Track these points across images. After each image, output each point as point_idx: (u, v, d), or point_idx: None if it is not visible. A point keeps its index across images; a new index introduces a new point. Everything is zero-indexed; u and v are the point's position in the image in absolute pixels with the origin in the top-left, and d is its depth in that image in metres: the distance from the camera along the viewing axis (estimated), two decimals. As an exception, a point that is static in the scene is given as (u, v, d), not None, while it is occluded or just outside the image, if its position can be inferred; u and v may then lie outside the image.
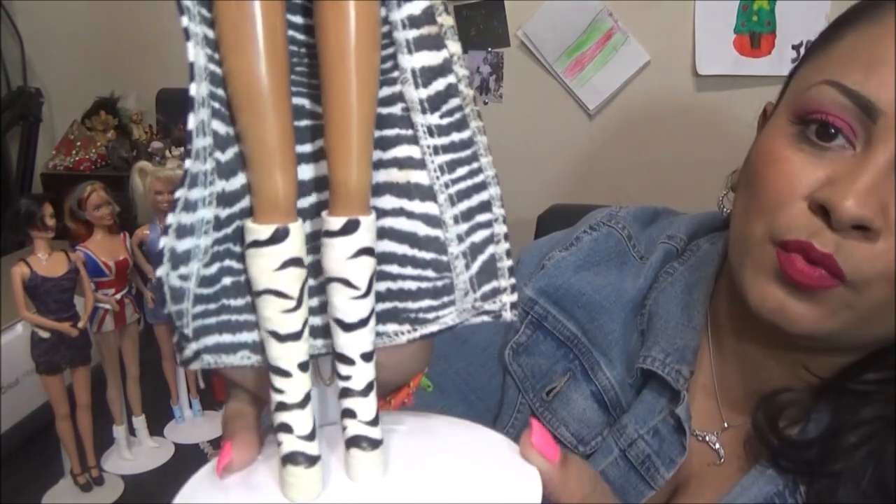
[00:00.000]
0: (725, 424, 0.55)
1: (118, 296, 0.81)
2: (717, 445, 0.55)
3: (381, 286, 0.28)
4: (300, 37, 0.26)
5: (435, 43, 0.27)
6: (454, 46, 0.27)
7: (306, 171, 0.27)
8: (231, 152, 0.25)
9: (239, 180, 0.26)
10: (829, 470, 0.47)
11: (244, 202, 0.26)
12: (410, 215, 0.28)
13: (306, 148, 0.27)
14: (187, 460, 0.89)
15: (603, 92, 1.48)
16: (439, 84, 0.27)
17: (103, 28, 1.66)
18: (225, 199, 0.25)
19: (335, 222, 0.25)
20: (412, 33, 0.26)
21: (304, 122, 0.27)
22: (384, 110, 0.27)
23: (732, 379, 0.56)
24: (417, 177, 0.27)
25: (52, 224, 0.72)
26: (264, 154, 0.24)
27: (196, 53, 0.23)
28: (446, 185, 0.28)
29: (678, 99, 1.43)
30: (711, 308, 0.57)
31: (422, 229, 0.28)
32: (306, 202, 0.27)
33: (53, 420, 0.77)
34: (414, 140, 0.27)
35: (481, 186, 0.28)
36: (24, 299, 0.71)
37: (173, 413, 0.95)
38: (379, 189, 0.27)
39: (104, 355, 0.82)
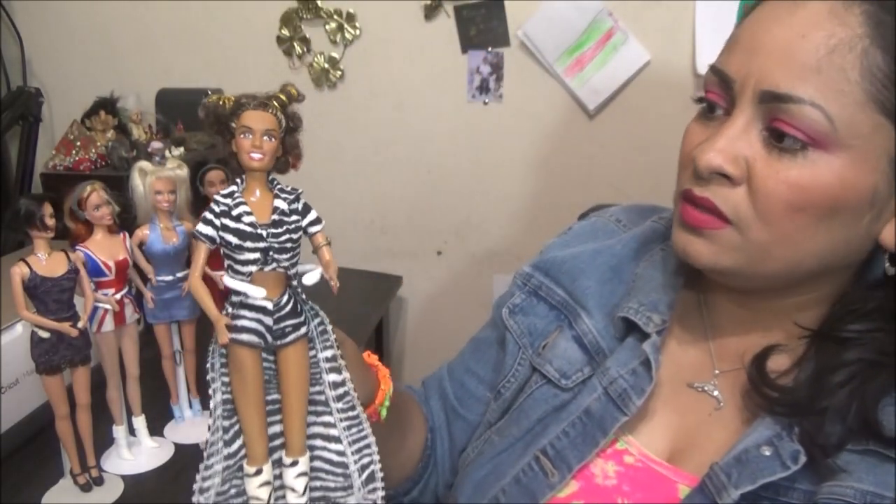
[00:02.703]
0: (717, 371, 0.63)
1: (118, 296, 0.81)
2: (716, 392, 0.62)
3: (318, 483, 0.55)
4: (272, 365, 0.51)
5: (337, 367, 0.54)
6: (346, 372, 0.54)
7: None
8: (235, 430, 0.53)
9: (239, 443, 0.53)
10: (816, 407, 0.53)
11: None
12: (330, 450, 0.55)
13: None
14: (187, 460, 0.89)
15: (603, 92, 1.48)
16: (341, 389, 0.54)
17: (103, 28, 1.66)
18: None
19: (289, 460, 0.52)
20: (328, 364, 0.54)
21: (275, 396, 0.53)
22: (317, 397, 0.54)
23: (728, 334, 0.64)
24: (332, 430, 0.55)
25: (51, 224, 0.72)
26: (253, 432, 0.51)
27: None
28: (350, 436, 0.55)
29: (678, 99, 1.43)
30: (706, 273, 0.65)
31: (335, 456, 0.55)
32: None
33: (53, 420, 0.77)
34: (329, 411, 0.54)
35: (364, 433, 0.55)
36: (23, 299, 0.71)
37: (173, 413, 0.95)
38: (314, 437, 0.54)
39: (104, 355, 0.82)
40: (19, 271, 0.70)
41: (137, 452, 0.88)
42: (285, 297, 0.49)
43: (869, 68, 0.49)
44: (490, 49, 1.52)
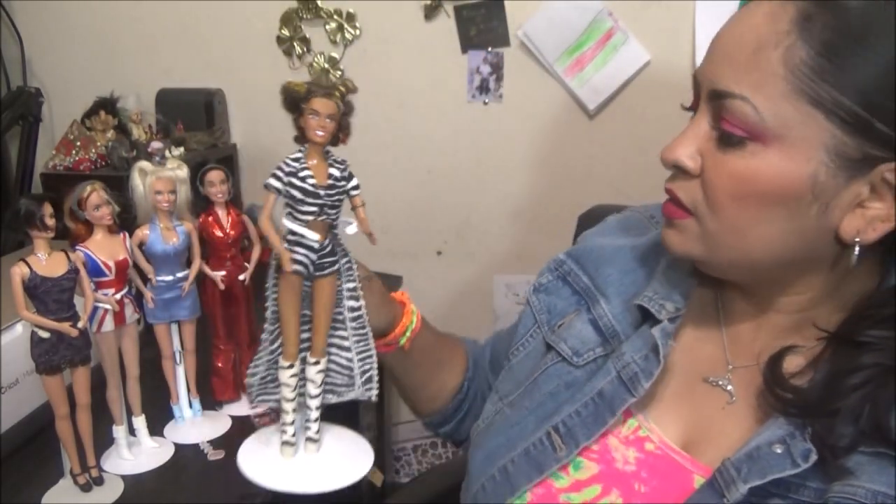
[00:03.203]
0: (731, 366, 0.65)
1: (118, 296, 0.81)
2: (729, 387, 0.64)
3: (329, 379, 0.70)
4: (307, 289, 0.67)
5: (356, 296, 0.70)
6: (362, 301, 0.70)
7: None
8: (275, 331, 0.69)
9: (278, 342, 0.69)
10: (828, 408, 0.54)
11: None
12: (342, 356, 0.71)
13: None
14: (187, 460, 0.89)
15: (603, 92, 1.48)
16: (356, 313, 0.71)
17: (103, 28, 1.66)
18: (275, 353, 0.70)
19: (312, 359, 0.69)
20: (348, 293, 0.70)
21: (306, 311, 0.68)
22: (338, 316, 0.70)
23: (740, 330, 0.65)
24: (345, 342, 0.71)
25: (51, 224, 0.72)
26: (290, 336, 0.67)
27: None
28: (357, 348, 0.71)
29: (678, 99, 1.43)
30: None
31: (345, 361, 0.71)
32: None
33: (53, 420, 0.77)
34: (344, 328, 0.70)
35: (369, 347, 0.72)
36: (23, 299, 0.71)
37: (173, 413, 0.95)
38: (332, 345, 0.70)
39: (104, 355, 0.82)
40: (19, 271, 0.70)
41: (137, 452, 0.88)
42: (327, 241, 0.65)
43: (793, 61, 0.52)
44: (490, 49, 1.52)
